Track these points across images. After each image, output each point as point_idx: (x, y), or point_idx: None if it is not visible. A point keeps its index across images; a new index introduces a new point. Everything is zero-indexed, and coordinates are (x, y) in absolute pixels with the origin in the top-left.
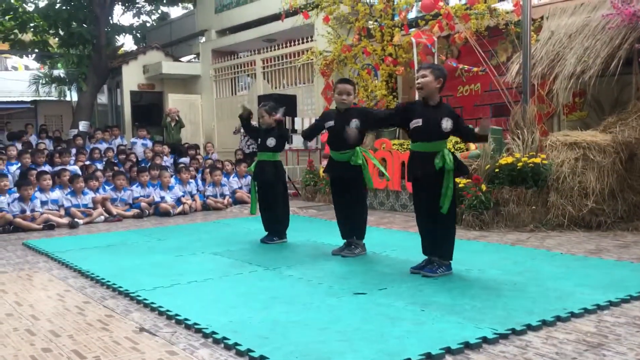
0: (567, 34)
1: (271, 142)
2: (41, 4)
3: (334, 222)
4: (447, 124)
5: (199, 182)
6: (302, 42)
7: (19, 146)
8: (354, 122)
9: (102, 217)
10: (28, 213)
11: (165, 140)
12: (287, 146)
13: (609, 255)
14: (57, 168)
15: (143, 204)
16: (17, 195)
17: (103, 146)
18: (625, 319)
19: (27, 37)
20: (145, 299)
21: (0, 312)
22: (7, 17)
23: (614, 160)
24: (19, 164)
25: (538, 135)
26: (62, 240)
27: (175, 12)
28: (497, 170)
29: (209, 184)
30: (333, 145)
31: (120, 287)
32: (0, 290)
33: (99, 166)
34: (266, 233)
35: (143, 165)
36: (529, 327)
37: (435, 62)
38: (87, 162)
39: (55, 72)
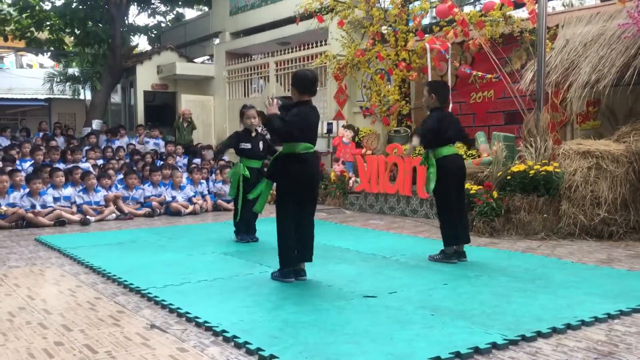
0: (582, 42)
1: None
2: (58, 3)
3: (344, 226)
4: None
5: (211, 182)
6: (316, 46)
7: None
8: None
9: (114, 215)
10: (38, 208)
11: (178, 141)
12: None
13: (620, 265)
14: (70, 165)
15: (154, 203)
16: (26, 190)
17: (118, 144)
18: (636, 329)
19: (43, 35)
20: (156, 297)
21: (13, 305)
22: (24, 15)
23: (627, 170)
24: (33, 161)
25: (551, 143)
26: (74, 237)
27: (190, 13)
28: (509, 177)
29: (219, 181)
30: None
31: (132, 284)
32: (14, 284)
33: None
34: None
35: (155, 164)
36: (539, 334)
37: (449, 68)
38: (100, 161)
39: (70, 71)
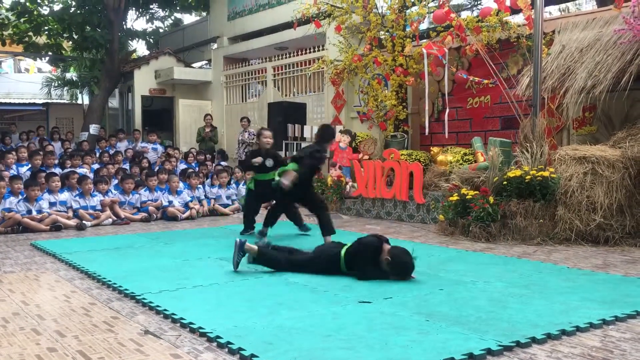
0: (578, 48)
1: (270, 162)
2: (56, 8)
3: (341, 231)
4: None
5: (207, 187)
6: (314, 51)
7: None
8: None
9: (110, 220)
10: (34, 213)
11: (201, 148)
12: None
13: (616, 270)
14: (66, 170)
15: (151, 208)
16: (23, 195)
17: (118, 147)
18: (631, 335)
19: (41, 39)
20: (150, 302)
21: (7, 311)
22: (22, 20)
23: (623, 176)
24: (30, 165)
25: (547, 148)
26: (70, 242)
27: (188, 18)
28: (505, 182)
29: (214, 185)
30: None
31: (126, 289)
32: (8, 289)
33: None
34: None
35: (152, 169)
36: (534, 340)
37: (446, 74)
38: (96, 166)
39: (68, 75)
